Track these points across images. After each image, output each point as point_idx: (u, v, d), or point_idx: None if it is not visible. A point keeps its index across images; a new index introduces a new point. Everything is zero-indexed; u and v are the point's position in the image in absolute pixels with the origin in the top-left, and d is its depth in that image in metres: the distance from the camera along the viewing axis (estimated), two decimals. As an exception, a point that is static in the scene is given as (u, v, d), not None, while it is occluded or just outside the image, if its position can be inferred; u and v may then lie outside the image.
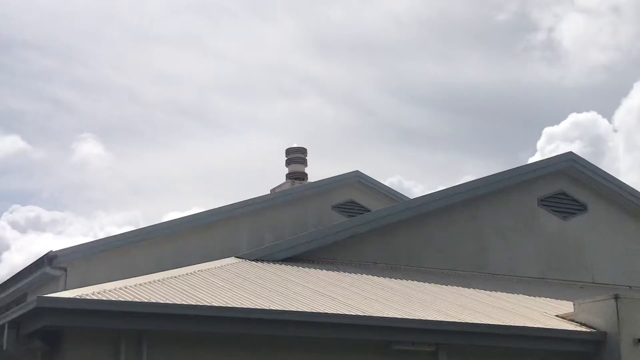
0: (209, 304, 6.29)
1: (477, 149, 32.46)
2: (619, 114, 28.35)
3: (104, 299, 5.99)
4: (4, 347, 5.98)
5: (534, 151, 32.89)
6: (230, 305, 6.38)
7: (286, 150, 16.15)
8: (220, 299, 6.59)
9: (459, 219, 10.93)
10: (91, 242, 12.24)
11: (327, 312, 6.70)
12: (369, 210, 13.92)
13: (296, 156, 15.96)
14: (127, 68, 31.08)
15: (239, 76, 31.82)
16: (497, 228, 11.17)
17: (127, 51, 30.79)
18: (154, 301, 6.12)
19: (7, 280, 12.49)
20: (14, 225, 30.18)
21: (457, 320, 7.21)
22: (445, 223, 10.80)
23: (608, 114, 35.42)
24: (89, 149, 32.11)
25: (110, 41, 30.35)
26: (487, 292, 9.39)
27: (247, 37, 30.47)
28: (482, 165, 32.83)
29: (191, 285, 7.02)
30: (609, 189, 11.96)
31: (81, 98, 31.59)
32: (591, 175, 11.91)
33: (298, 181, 15.47)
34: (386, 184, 15.81)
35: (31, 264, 11.66)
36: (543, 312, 8.41)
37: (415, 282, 9.26)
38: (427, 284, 9.29)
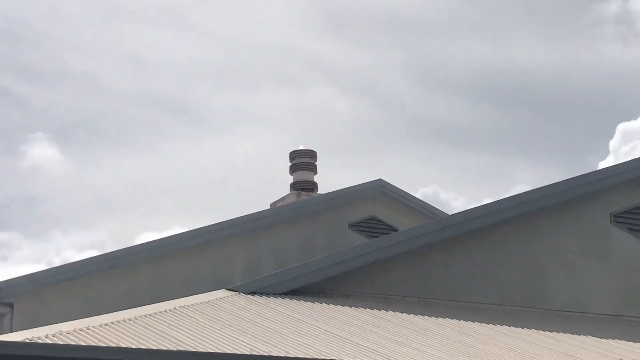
0: (193, 349, 6.28)
1: (532, 152, 32.45)
2: None
3: (61, 342, 5.99)
4: None
5: (605, 153, 32.82)
6: (219, 351, 6.36)
7: (290, 153, 16.18)
8: (208, 342, 6.58)
9: (510, 241, 10.89)
10: (45, 270, 12.32)
11: (343, 359, 6.67)
12: (396, 230, 13.90)
13: (303, 161, 15.98)
14: (90, 51, 31.30)
15: (230, 61, 31.99)
16: (558, 252, 11.13)
17: (90, 30, 31.02)
18: (124, 346, 6.12)
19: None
20: (-52, 249, 30.43)
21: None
22: (492, 246, 10.76)
23: (700, 106, 35.30)
24: (42, 152, 32.33)
25: (69, 18, 30.59)
26: (547, 333, 9.35)
27: (240, 13, 30.63)
28: (540, 172, 32.80)
29: (171, 324, 7.03)
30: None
31: (32, 89, 31.83)
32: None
33: (305, 193, 15.49)
34: (417, 196, 15.83)
35: (-31, 299, 11.72)
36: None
37: (454, 320, 9.24)
38: (470, 323, 9.26)
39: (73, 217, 35.27)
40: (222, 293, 8.80)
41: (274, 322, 7.78)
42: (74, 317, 7.53)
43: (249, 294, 8.93)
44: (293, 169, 16.03)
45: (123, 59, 31.36)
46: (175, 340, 6.49)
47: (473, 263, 10.62)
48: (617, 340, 9.47)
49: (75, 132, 32.85)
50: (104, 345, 6.09)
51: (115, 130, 32.54)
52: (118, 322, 6.89)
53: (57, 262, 28.77)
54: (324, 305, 8.97)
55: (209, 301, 8.28)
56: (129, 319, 7.02)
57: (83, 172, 33.20)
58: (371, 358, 6.87)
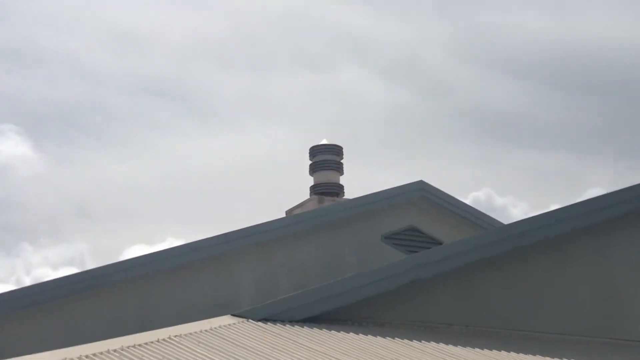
0: (191, 388, 6.32)
1: (609, 149, 32.31)
2: None
3: (32, 378, 6.04)
4: None
5: (698, 150, 32.59)
6: (224, 390, 6.39)
7: (311, 149, 16.23)
8: (210, 380, 6.61)
9: (581, 256, 10.88)
10: (13, 291, 12.40)
11: (374, 400, 6.68)
12: (440, 243, 13.90)
13: (326, 159, 16.02)
14: (67, 27, 31.51)
15: (238, 38, 32.08)
16: (639, 270, 11.09)
17: (67, 2, 31.22)
18: (108, 382, 6.16)
19: None
20: None
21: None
22: (559, 262, 10.75)
23: None
24: (11, 148, 32.61)
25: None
26: (626, 370, 9.32)
27: (250, -23, 30.68)
28: (618, 173, 32.65)
29: (164, 357, 7.07)
30: None
31: (-2, 72, 32.09)
32: None
33: (329, 197, 15.52)
34: (467, 201, 15.84)
35: None
36: None
37: (512, 354, 9.22)
38: (531, 357, 9.24)
39: (47, 227, 35.56)
40: (227, 320, 8.83)
41: (291, 355, 7.80)
42: (48, 347, 7.59)
43: (260, 320, 8.96)
44: (314, 169, 16.06)
45: (108, 37, 31.55)
46: (170, 377, 6.53)
47: (535, 283, 10.60)
48: None
49: (51, 124, 33.11)
50: (83, 382, 6.13)
51: (98, 123, 32.76)
52: (101, 353, 6.94)
53: (27, 282, 29.04)
54: (351, 335, 8.98)
55: (212, 329, 8.32)
56: (114, 350, 7.07)
57: (59, 172, 33.45)
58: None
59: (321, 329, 8.99)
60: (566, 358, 9.42)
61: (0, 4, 31.05)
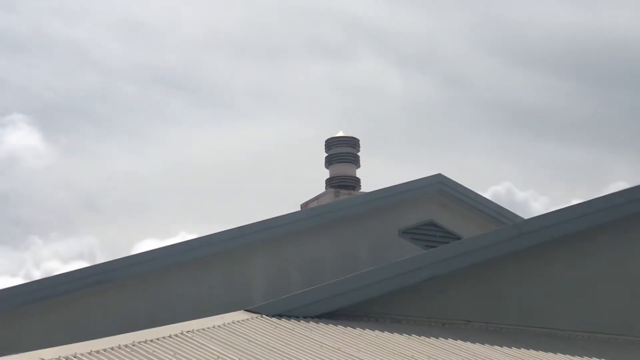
0: (203, 384, 6.35)
1: (634, 142, 32.15)
2: None
3: (42, 373, 6.08)
4: None
5: None
6: (237, 386, 6.41)
7: (326, 141, 16.22)
8: (222, 376, 6.63)
9: (603, 252, 10.87)
10: (22, 285, 12.47)
11: (390, 398, 6.70)
12: (459, 238, 13.89)
13: (342, 151, 16.02)
14: (77, 17, 31.56)
15: (252, 27, 32.07)
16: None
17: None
18: (119, 378, 6.20)
19: None
20: None
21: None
22: (581, 258, 10.75)
23: None
24: (19, 138, 32.69)
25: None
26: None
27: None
28: (642, 166, 32.49)
29: (177, 353, 7.11)
30: None
31: (6, 61, 32.20)
32: None
33: (345, 191, 15.52)
34: (487, 195, 15.80)
35: None
36: None
37: (531, 351, 9.24)
38: (552, 355, 9.25)
39: (57, 220, 35.67)
40: (240, 315, 8.87)
41: (305, 352, 7.83)
42: (57, 343, 7.64)
43: (273, 316, 8.99)
44: (329, 161, 16.06)
45: (118, 26, 31.58)
46: (182, 373, 6.56)
47: (556, 280, 10.60)
48: None
49: (60, 115, 33.20)
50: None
51: (109, 114, 32.84)
52: (112, 349, 6.98)
53: (37, 276, 29.16)
54: (367, 331, 9.00)
55: (224, 325, 8.35)
56: (125, 346, 7.10)
57: (69, 164, 33.55)
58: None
59: (336, 325, 9.00)
60: (586, 356, 9.42)
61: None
